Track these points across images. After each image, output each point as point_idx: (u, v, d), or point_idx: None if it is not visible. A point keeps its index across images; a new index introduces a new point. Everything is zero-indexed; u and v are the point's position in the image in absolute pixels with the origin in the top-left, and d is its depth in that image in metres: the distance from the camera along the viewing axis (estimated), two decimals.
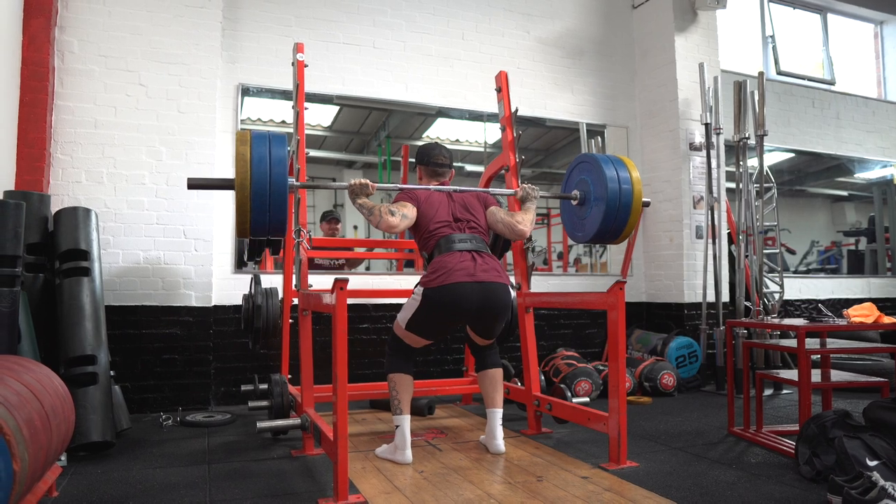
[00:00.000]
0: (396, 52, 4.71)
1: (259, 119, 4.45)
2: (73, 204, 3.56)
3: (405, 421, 2.67)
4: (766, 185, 4.83)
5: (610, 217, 2.96)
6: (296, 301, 3.00)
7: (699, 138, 5.09)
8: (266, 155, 2.42)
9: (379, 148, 4.95)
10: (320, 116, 4.80)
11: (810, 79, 6.56)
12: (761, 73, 4.95)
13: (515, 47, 5.11)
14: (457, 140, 5.16)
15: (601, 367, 4.26)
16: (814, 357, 3.05)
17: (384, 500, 2.21)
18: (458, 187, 2.93)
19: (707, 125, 4.92)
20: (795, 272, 6.32)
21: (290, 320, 3.59)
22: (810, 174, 6.69)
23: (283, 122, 4.52)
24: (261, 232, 2.50)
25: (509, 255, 3.45)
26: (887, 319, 2.94)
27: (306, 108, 3.41)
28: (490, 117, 4.91)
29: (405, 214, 2.71)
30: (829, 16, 6.90)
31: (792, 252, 6.35)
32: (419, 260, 4.45)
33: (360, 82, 4.58)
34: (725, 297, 4.84)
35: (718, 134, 4.95)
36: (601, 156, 3.07)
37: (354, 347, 4.21)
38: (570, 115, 5.26)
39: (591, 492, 2.27)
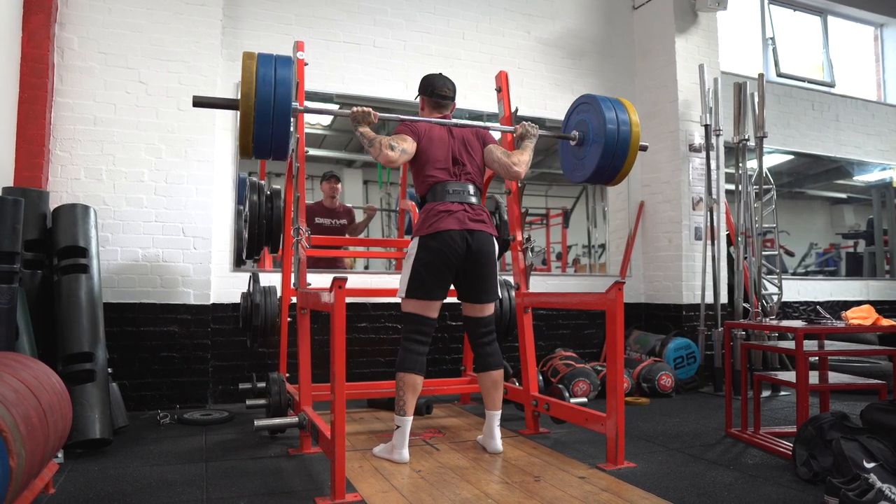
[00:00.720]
0: (397, 52, 4.71)
1: None
2: (71, 201, 3.55)
3: (407, 423, 2.66)
4: (765, 186, 4.83)
5: (608, 154, 2.96)
6: (294, 299, 2.99)
7: (699, 140, 5.09)
8: (271, 73, 2.45)
9: None
10: (320, 115, 4.79)
11: (810, 81, 6.56)
12: (761, 75, 4.95)
13: (516, 47, 5.10)
14: None
15: (599, 368, 4.26)
16: (812, 359, 3.05)
17: (381, 498, 2.21)
18: (458, 121, 2.94)
19: (707, 126, 4.92)
20: (794, 274, 6.33)
21: (289, 319, 3.58)
22: (809, 176, 6.70)
23: None
24: (263, 150, 2.51)
25: (508, 256, 3.45)
26: (885, 322, 2.95)
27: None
28: (490, 117, 4.90)
29: (405, 149, 2.71)
30: (830, 18, 6.90)
31: (791, 254, 6.36)
32: None
33: (360, 81, 4.57)
34: (724, 299, 4.84)
35: (718, 135, 4.96)
36: (601, 97, 3.07)
37: (353, 346, 4.20)
38: None
39: (588, 492, 2.27)
